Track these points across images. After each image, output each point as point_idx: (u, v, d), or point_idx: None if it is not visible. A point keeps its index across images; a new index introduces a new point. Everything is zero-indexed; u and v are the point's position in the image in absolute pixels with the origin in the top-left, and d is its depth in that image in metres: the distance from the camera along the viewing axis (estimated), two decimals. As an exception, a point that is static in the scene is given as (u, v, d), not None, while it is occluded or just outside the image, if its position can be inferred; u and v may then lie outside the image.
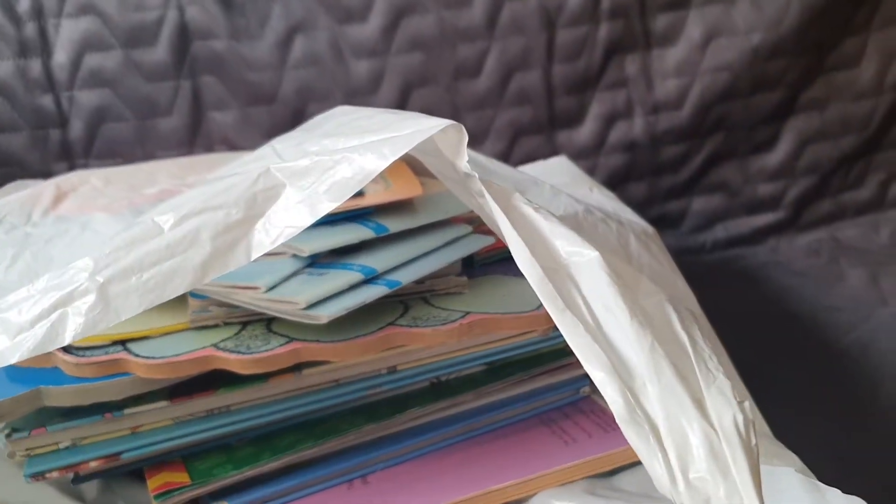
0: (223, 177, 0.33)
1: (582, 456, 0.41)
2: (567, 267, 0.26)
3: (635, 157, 0.67)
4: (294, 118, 0.63)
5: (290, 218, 0.31)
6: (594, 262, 0.26)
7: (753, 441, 0.23)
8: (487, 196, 0.28)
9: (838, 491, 0.27)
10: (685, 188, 0.69)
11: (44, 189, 0.50)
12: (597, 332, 0.25)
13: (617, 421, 0.24)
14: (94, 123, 0.62)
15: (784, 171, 0.70)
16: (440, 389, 0.44)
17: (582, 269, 0.26)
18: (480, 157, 0.50)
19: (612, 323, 0.25)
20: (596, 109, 0.66)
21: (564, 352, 0.46)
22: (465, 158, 0.29)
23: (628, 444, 0.41)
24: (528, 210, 0.28)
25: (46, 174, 0.60)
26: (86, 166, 0.61)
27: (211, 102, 0.63)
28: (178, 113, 0.63)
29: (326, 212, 0.31)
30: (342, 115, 0.38)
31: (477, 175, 0.28)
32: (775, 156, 0.69)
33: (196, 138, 0.63)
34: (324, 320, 0.38)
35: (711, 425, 0.23)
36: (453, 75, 0.64)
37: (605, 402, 0.45)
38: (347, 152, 0.31)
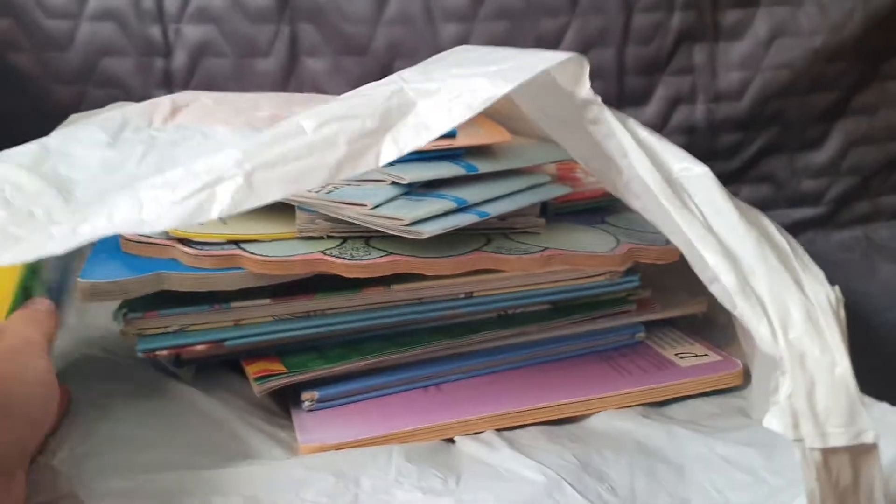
0: (359, 93, 0.38)
1: (638, 385, 0.46)
2: (679, 179, 0.31)
3: (693, 140, 0.71)
4: (381, 71, 0.67)
5: (418, 129, 0.36)
6: (703, 175, 0.31)
7: (842, 313, 0.28)
8: (608, 115, 0.32)
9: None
10: (735, 175, 0.73)
11: (160, 102, 0.55)
12: (709, 228, 0.29)
13: (731, 294, 0.28)
14: (196, 56, 0.67)
15: (828, 169, 0.74)
16: (508, 320, 0.49)
17: (692, 181, 0.31)
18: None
19: (722, 223, 0.29)
20: (662, 92, 0.71)
21: (624, 300, 0.51)
22: (586, 86, 0.33)
23: (682, 379, 0.46)
24: (643, 131, 0.33)
25: (147, 99, 0.65)
26: (185, 96, 0.65)
27: (306, 48, 0.67)
28: (275, 55, 0.67)
29: (450, 128, 0.35)
30: (466, 52, 0.43)
31: (598, 100, 0.33)
32: (822, 154, 0.74)
33: (289, 81, 0.68)
34: (424, 236, 0.42)
35: (808, 299, 0.28)
36: (534, 45, 0.68)
37: (660, 348, 0.49)
38: (474, 77, 0.35)
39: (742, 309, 0.28)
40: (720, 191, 0.31)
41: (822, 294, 0.28)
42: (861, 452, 0.26)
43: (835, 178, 0.74)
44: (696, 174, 0.31)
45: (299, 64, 0.68)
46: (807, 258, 0.30)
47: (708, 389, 0.47)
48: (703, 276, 0.31)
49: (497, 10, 0.68)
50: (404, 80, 0.38)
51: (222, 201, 0.35)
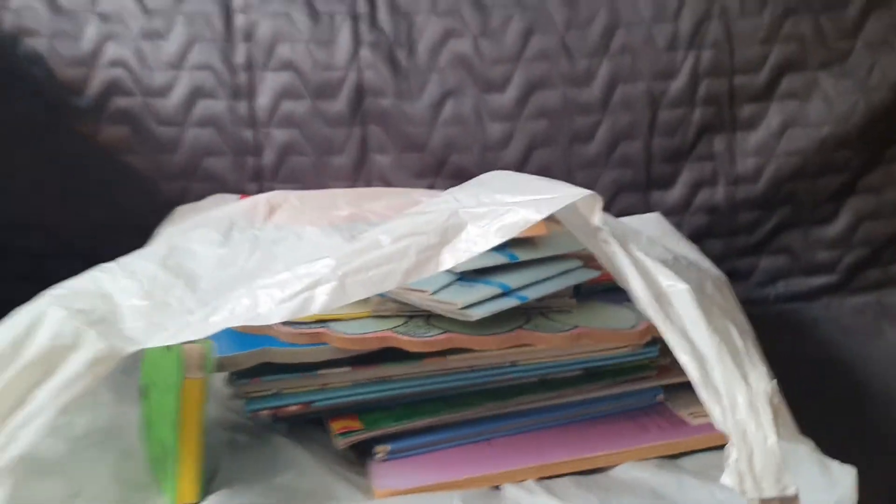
0: (423, 212, 0.48)
1: (655, 441, 0.55)
2: (666, 294, 0.40)
3: (715, 219, 0.80)
4: (438, 165, 0.78)
5: (469, 246, 0.46)
6: (684, 291, 0.40)
7: (776, 400, 0.37)
8: (613, 242, 0.42)
9: (837, 462, 0.40)
10: (755, 248, 0.82)
11: (257, 202, 0.67)
12: (684, 335, 0.39)
13: (694, 384, 0.38)
14: (282, 155, 0.79)
15: (841, 241, 0.82)
16: (547, 384, 0.58)
17: (675, 295, 0.40)
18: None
19: (695, 330, 0.39)
20: (686, 177, 0.80)
21: (646, 366, 0.60)
22: (598, 216, 0.43)
23: (693, 435, 0.55)
24: (640, 254, 0.42)
25: (240, 191, 0.77)
26: (272, 188, 0.77)
27: (374, 147, 0.79)
28: (348, 153, 0.79)
29: (494, 244, 0.45)
30: (506, 177, 0.53)
31: (607, 228, 0.42)
32: (834, 228, 0.82)
33: (359, 174, 0.79)
34: (475, 318, 0.52)
35: (751, 389, 0.37)
36: (570, 140, 0.78)
37: (676, 408, 0.58)
38: (514, 206, 0.45)
39: (703, 396, 0.37)
40: (695, 305, 0.40)
41: (762, 386, 0.38)
42: (787, 501, 0.36)
43: (847, 249, 0.82)
44: (678, 290, 0.41)
45: (368, 160, 0.80)
46: (756, 357, 0.40)
47: (714, 445, 0.55)
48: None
49: (537, 110, 0.78)
50: (458, 203, 0.48)
51: (320, 301, 0.45)
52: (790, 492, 0.35)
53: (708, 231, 0.81)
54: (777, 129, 0.79)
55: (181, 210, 0.73)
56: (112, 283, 0.52)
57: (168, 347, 0.51)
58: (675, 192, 0.80)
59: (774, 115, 0.79)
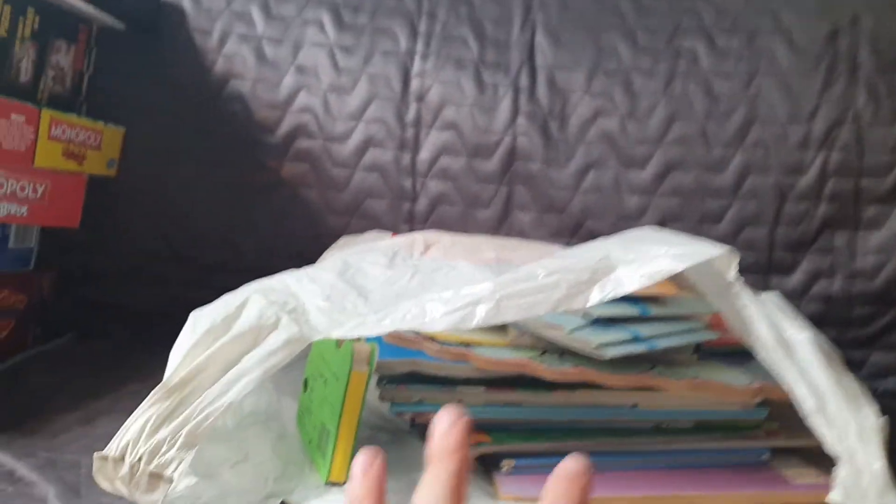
0: (577, 254, 0.56)
1: (756, 489, 0.60)
2: (789, 341, 0.47)
3: (830, 309, 0.85)
4: (575, 227, 0.86)
5: (615, 286, 0.53)
6: (805, 340, 0.46)
7: (885, 433, 0.42)
8: (745, 294, 0.49)
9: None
10: (868, 341, 0.86)
11: (415, 238, 0.76)
12: (803, 374, 0.45)
13: (812, 414, 0.43)
14: (434, 203, 0.89)
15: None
16: (661, 431, 0.64)
17: (798, 343, 0.46)
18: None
19: (813, 371, 0.45)
20: (805, 266, 0.85)
21: (755, 426, 0.65)
22: (734, 272, 0.50)
23: (790, 491, 0.59)
24: (770, 306, 0.49)
25: (394, 230, 0.86)
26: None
27: (518, 204, 0.87)
28: (493, 208, 0.88)
29: (638, 287, 0.52)
30: (653, 233, 0.60)
31: (740, 283, 0.49)
32: (951, 329, 0.85)
33: (501, 228, 0.88)
34: (607, 356, 0.59)
35: (862, 422, 0.42)
36: (699, 219, 0.85)
37: (782, 469, 0.62)
38: (659, 256, 0.52)
39: (817, 423, 0.43)
40: (815, 351, 0.46)
41: (872, 419, 0.43)
42: None
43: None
44: (800, 339, 0.47)
45: (511, 216, 0.88)
46: (867, 399, 0.45)
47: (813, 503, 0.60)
48: (799, 407, 0.47)
49: (672, 189, 0.85)
50: (610, 250, 0.55)
51: (479, 317, 0.53)
52: (893, 512, 0.40)
53: (822, 319, 0.85)
54: (901, 231, 0.84)
55: (345, 239, 0.83)
56: (298, 285, 0.61)
57: (339, 345, 0.60)
58: (794, 279, 0.85)
59: (898, 218, 0.84)
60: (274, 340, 0.52)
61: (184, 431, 0.46)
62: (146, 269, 0.90)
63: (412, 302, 0.55)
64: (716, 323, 0.72)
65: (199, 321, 0.52)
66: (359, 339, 0.61)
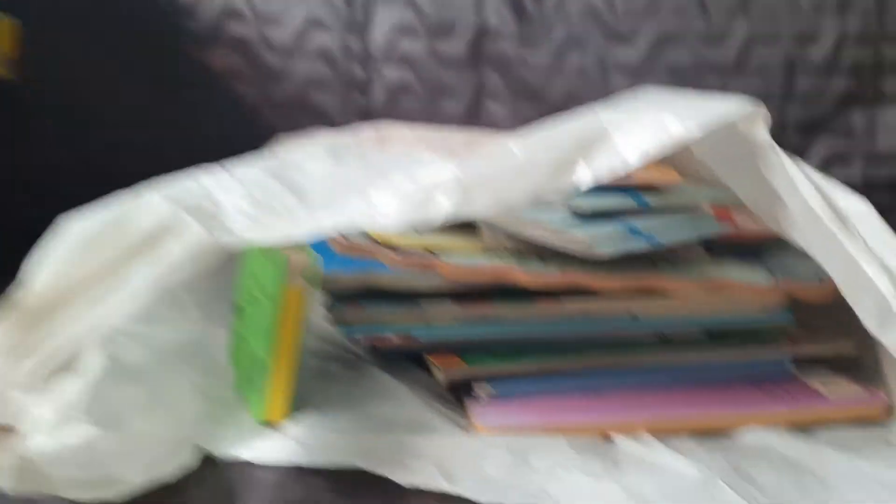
0: (559, 125, 0.44)
1: (785, 407, 0.49)
2: (844, 212, 0.36)
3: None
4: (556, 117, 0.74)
5: (611, 162, 0.41)
6: (866, 210, 0.35)
7: None
8: (783, 157, 0.37)
9: None
10: (890, 235, 0.76)
11: (368, 131, 0.64)
12: (868, 249, 0.34)
13: (887, 299, 0.33)
14: (392, 95, 0.76)
15: None
16: (667, 344, 0.54)
17: (852, 212, 0.35)
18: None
19: (882, 247, 0.34)
20: (819, 150, 0.74)
21: (776, 334, 0.54)
22: (763, 131, 0.38)
23: (828, 407, 0.50)
24: (812, 171, 0.38)
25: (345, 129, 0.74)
26: (379, 130, 0.74)
27: (490, 93, 0.75)
28: (461, 98, 0.76)
29: (642, 162, 0.41)
30: (653, 94, 0.49)
31: (772, 143, 0.38)
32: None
33: (471, 122, 0.76)
34: (605, 257, 0.48)
35: None
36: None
37: (812, 381, 0.52)
38: (668, 119, 0.41)
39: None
40: (879, 220, 0.35)
41: None
42: None
43: None
44: (859, 209, 0.36)
45: (483, 108, 0.76)
46: None
47: (854, 419, 0.50)
48: (855, 300, 0.36)
49: (666, 66, 0.74)
50: (602, 117, 0.44)
51: (443, 209, 0.41)
52: None
53: None
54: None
55: (283, 139, 0.71)
56: (216, 185, 0.49)
57: (271, 258, 0.49)
58: (808, 166, 0.75)
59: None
60: (175, 250, 0.41)
61: (45, 369, 0.34)
62: (53, 185, 0.77)
63: (358, 196, 0.44)
64: (723, 217, 0.62)
65: (74, 228, 0.40)
66: (299, 250, 0.50)
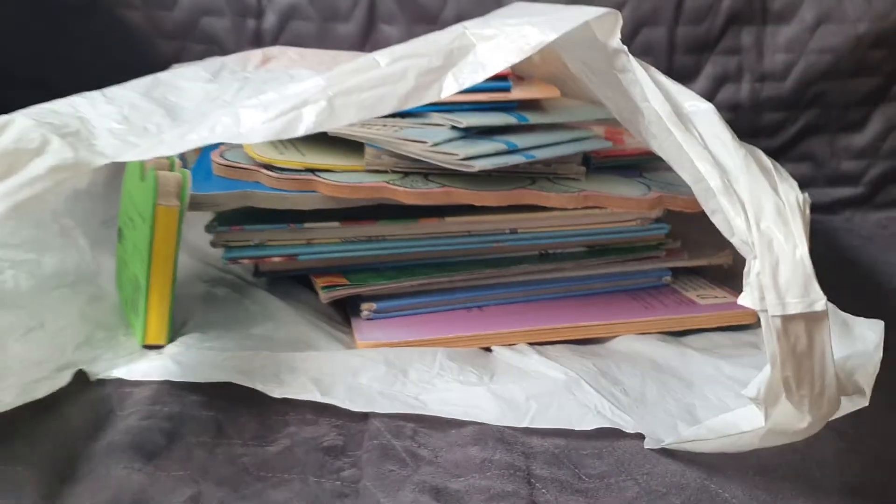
0: (426, 37, 0.44)
1: (659, 315, 0.51)
2: (688, 113, 0.36)
3: (738, 118, 0.76)
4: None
5: (475, 70, 0.42)
6: (708, 110, 0.36)
7: (808, 212, 0.33)
8: (634, 63, 0.38)
9: (862, 318, 0.37)
10: (777, 153, 0.77)
11: (252, 53, 0.62)
12: (705, 148, 0.35)
13: (716, 193, 0.34)
14: (284, 19, 0.74)
15: (868, 151, 0.77)
16: (548, 258, 0.55)
17: (698, 115, 0.36)
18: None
19: (718, 145, 0.35)
20: (709, 70, 0.75)
21: (654, 247, 0.56)
22: (617, 38, 0.39)
23: (700, 313, 0.51)
24: (661, 76, 0.38)
25: (238, 55, 0.73)
26: (272, 54, 0.73)
27: (383, 16, 0.74)
28: (355, 21, 0.74)
29: (502, 68, 0.41)
30: (520, 7, 0.49)
31: (625, 50, 0.38)
32: (862, 137, 0.77)
33: (365, 44, 0.75)
34: (475, 169, 0.48)
35: (780, 199, 0.33)
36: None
37: (687, 291, 0.54)
38: (525, 25, 0.41)
39: (724, 206, 0.33)
40: (720, 122, 0.36)
41: (793, 196, 0.33)
42: (814, 320, 0.31)
43: (874, 160, 0.78)
44: (702, 109, 0.37)
45: (376, 29, 0.75)
46: (785, 174, 0.36)
47: (723, 324, 0.52)
48: (696, 187, 0.37)
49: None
50: (465, 28, 0.44)
51: (308, 121, 0.41)
52: (818, 307, 0.31)
53: None
54: (810, 24, 0.74)
55: (175, 68, 0.69)
56: (90, 107, 0.48)
57: (144, 178, 0.48)
58: (697, 87, 0.75)
59: (808, 9, 0.74)
60: (34, 168, 0.40)
61: None
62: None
63: (223, 111, 0.43)
64: (610, 136, 0.63)
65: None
66: (171, 169, 0.49)
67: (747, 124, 0.76)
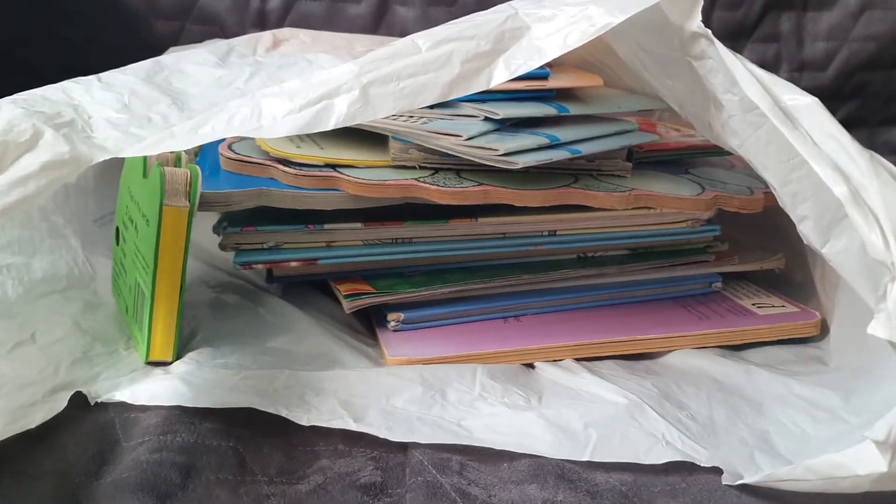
0: (473, 18, 0.39)
1: (715, 328, 0.47)
2: (788, 108, 0.32)
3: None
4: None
5: (531, 55, 0.37)
6: (812, 104, 0.32)
7: None
8: (719, 47, 0.33)
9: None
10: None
11: (262, 35, 0.57)
12: (821, 151, 0.30)
13: (843, 203, 0.29)
14: (291, -1, 0.70)
15: (908, 145, 0.74)
16: (589, 262, 0.50)
17: (801, 109, 0.32)
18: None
19: (833, 145, 0.30)
20: (747, 57, 0.71)
21: (703, 250, 0.51)
22: (698, 19, 0.34)
23: (760, 325, 0.47)
24: (751, 65, 0.34)
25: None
26: (277, 36, 0.67)
27: (398, -3, 0.69)
28: (367, 1, 0.69)
29: (563, 52, 0.36)
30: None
31: (708, 33, 0.34)
32: (904, 131, 0.73)
33: (378, 27, 0.69)
34: (518, 166, 0.44)
35: None
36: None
37: (735, 297, 0.50)
38: (590, 4, 0.36)
39: (854, 218, 0.29)
40: (830, 117, 0.32)
41: None
42: None
43: (915, 156, 0.74)
44: (804, 103, 0.32)
45: (390, 11, 0.70)
46: None
47: (785, 337, 0.47)
48: (782, 191, 0.32)
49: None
50: (517, 8, 0.39)
51: (339, 112, 0.36)
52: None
53: None
54: (854, 10, 0.69)
55: (174, 52, 0.64)
56: (85, 94, 0.43)
57: (148, 175, 0.43)
58: (733, 76, 0.71)
59: (853, -7, 0.69)
60: (26, 164, 0.35)
61: None
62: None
63: (242, 101, 0.38)
64: (645, 128, 0.58)
65: None
66: (178, 164, 0.44)
67: (784, 116, 0.72)
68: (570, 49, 0.36)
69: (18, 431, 0.36)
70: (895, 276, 0.28)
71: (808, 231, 0.33)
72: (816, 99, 0.32)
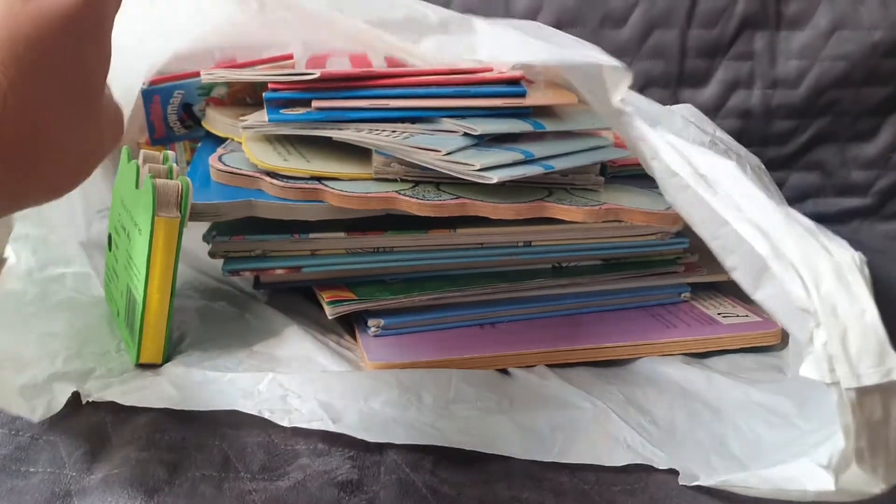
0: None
1: (681, 336, 0.49)
2: (706, 175, 0.34)
3: (748, 125, 0.74)
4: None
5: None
6: (731, 168, 0.34)
7: (867, 271, 0.31)
8: (638, 123, 0.35)
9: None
10: (786, 161, 0.76)
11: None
12: (741, 212, 0.32)
13: (765, 259, 0.31)
14: None
15: (878, 161, 0.76)
16: (563, 272, 0.52)
17: (719, 173, 0.34)
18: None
19: (751, 205, 0.32)
20: (721, 75, 0.73)
21: (672, 261, 0.54)
22: (619, 97, 0.36)
23: (724, 334, 0.49)
24: (672, 137, 0.35)
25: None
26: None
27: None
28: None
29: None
30: (539, 28, 0.46)
31: (629, 110, 0.36)
32: (873, 146, 0.76)
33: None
34: (494, 180, 0.46)
35: (835, 260, 0.31)
36: (600, 22, 0.71)
37: (702, 306, 0.52)
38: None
39: (776, 271, 0.31)
40: (746, 180, 0.33)
41: (847, 255, 0.31)
42: (891, 390, 0.29)
43: (883, 170, 0.76)
44: (723, 168, 0.34)
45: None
46: (830, 233, 0.33)
47: (747, 346, 0.50)
48: (714, 244, 0.34)
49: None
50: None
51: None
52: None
53: (738, 137, 0.72)
54: (825, 30, 0.72)
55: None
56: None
57: (139, 186, 0.45)
58: (708, 92, 0.73)
59: (823, 14, 0.72)
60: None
61: None
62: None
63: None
64: (620, 142, 0.60)
65: None
66: (170, 176, 0.46)
67: (757, 132, 0.74)
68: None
69: (21, 412, 0.38)
70: (819, 322, 0.30)
71: (739, 279, 0.35)
72: (733, 163, 0.34)
